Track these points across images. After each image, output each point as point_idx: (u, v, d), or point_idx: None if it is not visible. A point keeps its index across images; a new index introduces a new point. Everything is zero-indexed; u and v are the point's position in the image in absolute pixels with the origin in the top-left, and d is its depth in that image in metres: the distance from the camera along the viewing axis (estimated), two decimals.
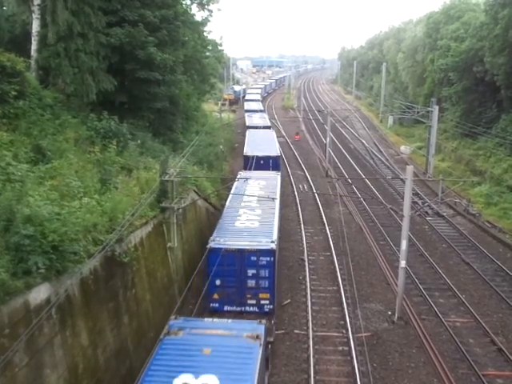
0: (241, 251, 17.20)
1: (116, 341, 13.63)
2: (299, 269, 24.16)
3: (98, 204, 14.48)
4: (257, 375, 10.50)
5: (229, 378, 10.15)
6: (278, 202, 22.43)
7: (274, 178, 26.12)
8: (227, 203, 22.46)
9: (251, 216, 20.36)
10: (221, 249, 16.99)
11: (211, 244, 17.36)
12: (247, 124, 49.91)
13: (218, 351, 11.01)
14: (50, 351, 10.56)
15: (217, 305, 17.45)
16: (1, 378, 8.89)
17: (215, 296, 17.44)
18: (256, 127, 45.30)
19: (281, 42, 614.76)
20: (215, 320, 13.19)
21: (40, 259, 10.44)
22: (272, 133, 43.66)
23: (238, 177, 26.40)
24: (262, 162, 31.91)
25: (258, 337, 11.67)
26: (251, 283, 17.38)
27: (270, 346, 15.59)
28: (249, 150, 34.48)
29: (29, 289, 10.12)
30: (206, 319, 13.56)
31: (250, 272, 17.29)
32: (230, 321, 13.11)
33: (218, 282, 17.11)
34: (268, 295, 17.45)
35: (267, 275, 17.34)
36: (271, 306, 17.54)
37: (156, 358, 10.82)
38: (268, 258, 17.26)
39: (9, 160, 13.39)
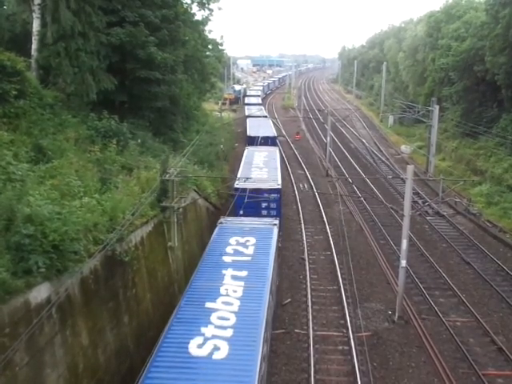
0: (257, 190, 24.03)
1: (116, 340, 13.64)
2: (300, 268, 24.16)
3: (99, 203, 14.49)
4: (275, 240, 17.77)
5: (260, 238, 17.46)
6: (278, 164, 30.45)
7: (273, 150, 34.95)
8: (241, 164, 30.11)
9: (261, 171, 28.09)
10: (245, 189, 23.21)
11: (237, 186, 24.11)
12: (247, 114, 58.42)
13: (252, 229, 18.38)
14: (51, 350, 10.57)
15: None
16: (1, 378, 8.90)
17: None
18: (256, 116, 55.02)
19: (281, 42, 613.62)
20: (248, 217, 20.66)
21: (40, 258, 10.45)
22: (268, 120, 53.86)
23: (245, 153, 33.82)
24: (262, 141, 40.98)
25: (274, 224, 19.22)
26: (264, 212, 24.24)
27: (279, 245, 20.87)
28: (252, 132, 43.81)
29: (29, 288, 10.12)
30: (241, 217, 20.99)
31: (263, 205, 24.42)
32: (256, 218, 20.76)
33: (241, 212, 22.66)
34: None
35: (275, 207, 24.59)
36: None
37: (217, 233, 18.15)
38: (276, 195, 24.57)
39: (9, 159, 13.39)
